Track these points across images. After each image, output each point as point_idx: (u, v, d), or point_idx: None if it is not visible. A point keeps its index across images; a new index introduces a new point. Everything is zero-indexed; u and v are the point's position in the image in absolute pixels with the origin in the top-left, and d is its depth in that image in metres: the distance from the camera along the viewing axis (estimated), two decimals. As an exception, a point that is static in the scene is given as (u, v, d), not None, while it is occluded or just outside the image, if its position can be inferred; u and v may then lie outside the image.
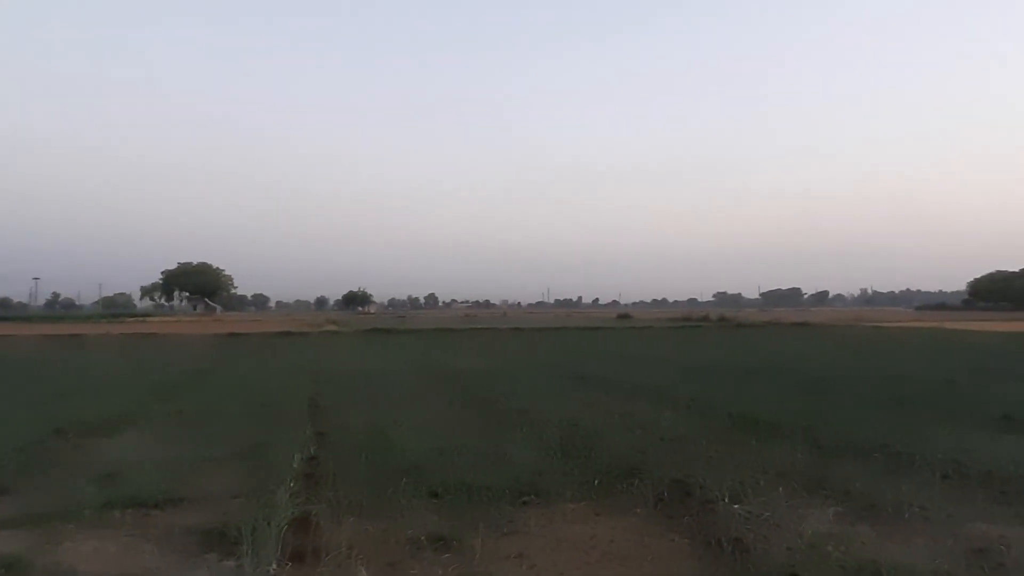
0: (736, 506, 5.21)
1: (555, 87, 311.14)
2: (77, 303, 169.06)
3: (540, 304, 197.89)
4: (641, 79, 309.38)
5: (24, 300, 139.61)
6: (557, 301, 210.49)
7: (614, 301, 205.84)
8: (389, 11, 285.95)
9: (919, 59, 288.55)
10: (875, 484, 5.96)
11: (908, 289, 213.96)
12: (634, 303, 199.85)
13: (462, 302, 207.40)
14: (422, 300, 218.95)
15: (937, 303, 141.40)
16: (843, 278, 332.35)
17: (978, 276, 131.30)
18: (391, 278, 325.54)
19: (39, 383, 14.74)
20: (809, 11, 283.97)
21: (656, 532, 4.90)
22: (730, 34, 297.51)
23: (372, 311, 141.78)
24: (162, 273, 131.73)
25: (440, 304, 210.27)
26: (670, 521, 5.09)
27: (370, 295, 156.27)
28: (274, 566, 4.14)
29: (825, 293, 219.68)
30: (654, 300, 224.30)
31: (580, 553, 4.54)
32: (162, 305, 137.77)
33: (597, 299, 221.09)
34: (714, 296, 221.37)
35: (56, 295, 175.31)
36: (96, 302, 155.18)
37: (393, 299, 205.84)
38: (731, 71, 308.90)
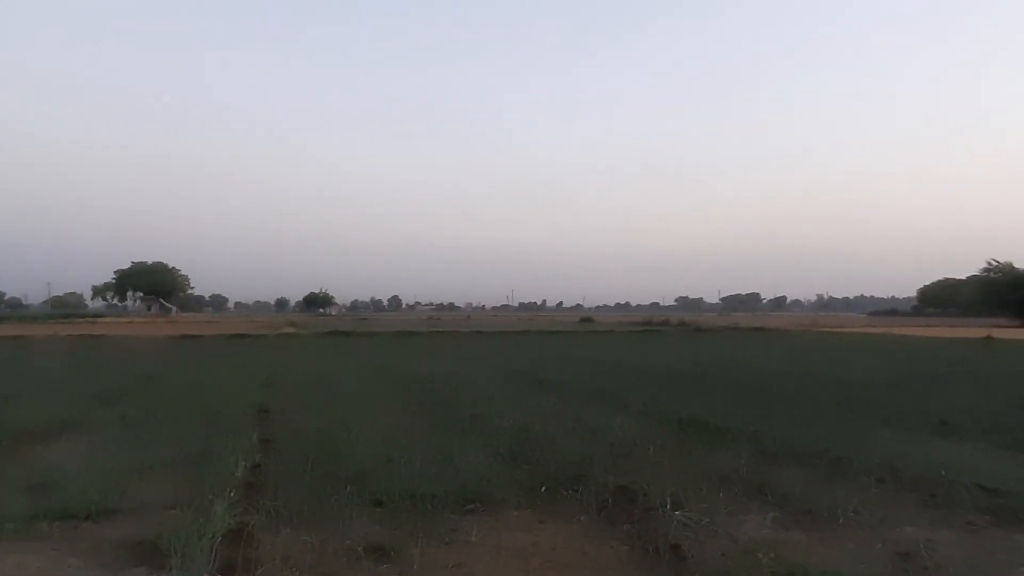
0: (677, 512, 5.25)
1: (521, 90, 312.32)
2: (24, 303, 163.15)
3: (504, 307, 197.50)
4: (606, 84, 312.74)
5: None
6: (521, 304, 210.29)
7: (578, 304, 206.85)
8: (350, 12, 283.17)
9: (873, 71, 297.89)
10: (814, 489, 6.11)
11: (862, 295, 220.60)
12: (598, 307, 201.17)
13: (426, 304, 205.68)
14: (385, 302, 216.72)
15: (889, 309, 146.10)
16: (800, 284, 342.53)
17: (928, 283, 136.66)
18: (354, 280, 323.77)
19: (-25, 387, 14.13)
20: (770, 23, 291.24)
21: (598, 539, 4.94)
22: (693, 43, 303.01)
23: (333, 313, 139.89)
24: (115, 272, 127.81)
25: (404, 306, 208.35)
26: (612, 528, 5.13)
27: (332, 297, 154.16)
28: (205, 579, 4.04)
29: (783, 298, 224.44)
30: (617, 304, 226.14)
31: (520, 561, 4.55)
32: (115, 305, 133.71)
33: (561, 302, 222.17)
34: (676, 300, 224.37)
35: (1, 294, 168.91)
36: (45, 302, 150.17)
37: (356, 301, 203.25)
38: (694, 79, 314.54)
